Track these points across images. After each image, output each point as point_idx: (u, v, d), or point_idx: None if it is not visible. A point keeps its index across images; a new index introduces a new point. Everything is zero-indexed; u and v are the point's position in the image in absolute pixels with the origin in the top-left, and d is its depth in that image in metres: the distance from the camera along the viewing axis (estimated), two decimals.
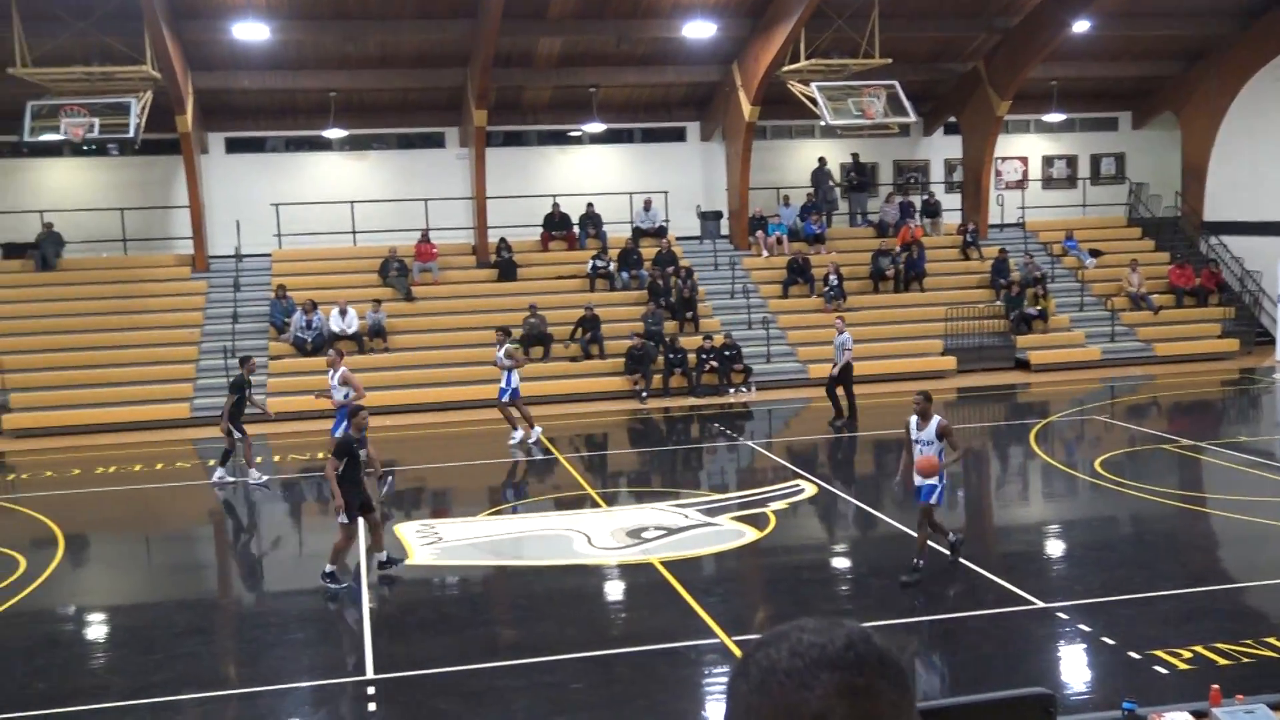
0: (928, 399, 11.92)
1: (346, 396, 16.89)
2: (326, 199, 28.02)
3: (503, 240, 27.78)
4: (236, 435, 17.61)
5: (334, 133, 28.02)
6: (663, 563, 12.87)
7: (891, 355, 26.09)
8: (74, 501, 17.13)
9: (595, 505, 15.97)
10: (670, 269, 27.36)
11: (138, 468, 19.18)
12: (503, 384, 20.01)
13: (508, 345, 20.46)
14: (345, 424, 15.56)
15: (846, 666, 1.38)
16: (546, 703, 9.40)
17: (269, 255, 27.57)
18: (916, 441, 11.79)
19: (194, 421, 22.65)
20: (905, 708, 1.41)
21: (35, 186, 27.53)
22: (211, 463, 18.34)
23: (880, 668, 1.40)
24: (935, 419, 11.72)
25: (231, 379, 18.51)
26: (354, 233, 28.11)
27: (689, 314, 26.46)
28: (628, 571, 12.94)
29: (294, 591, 12.80)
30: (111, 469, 18.93)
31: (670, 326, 26.04)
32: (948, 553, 12.13)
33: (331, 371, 17.51)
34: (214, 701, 9.78)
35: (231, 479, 17.82)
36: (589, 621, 11.49)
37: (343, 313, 24.96)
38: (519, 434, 20.10)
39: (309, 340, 24.56)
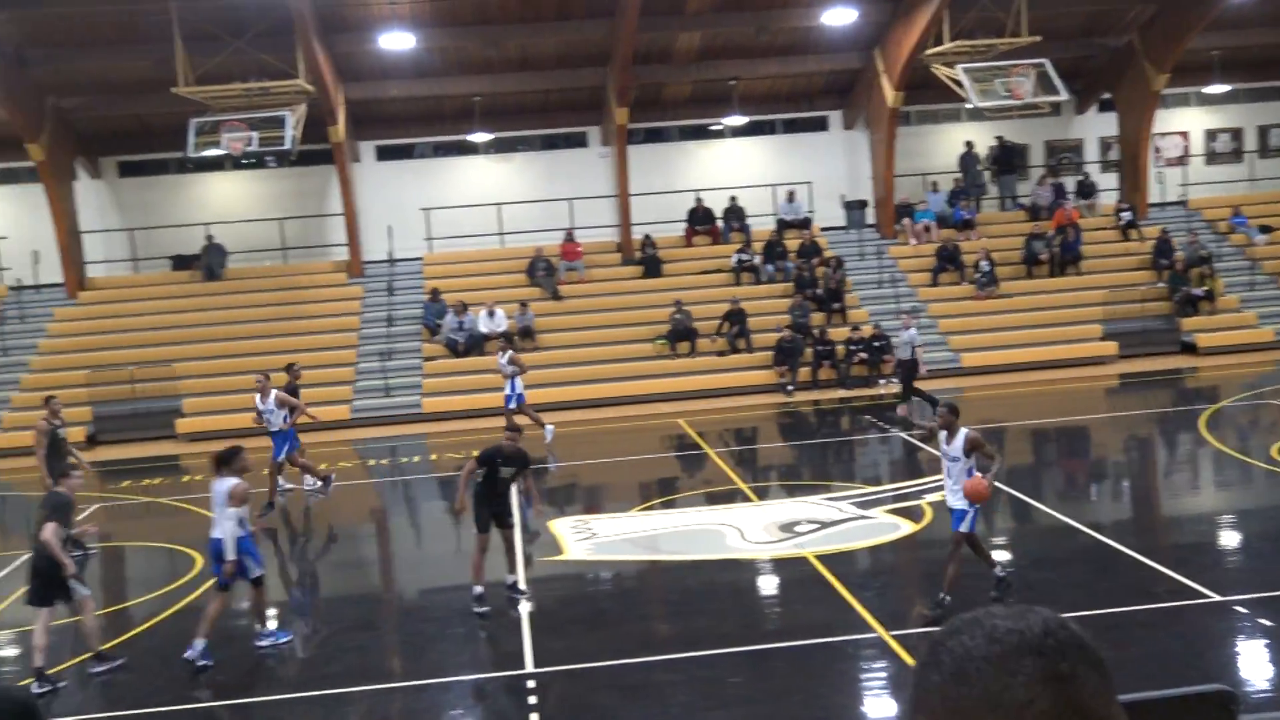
0: (952, 411, 10.74)
1: (286, 419, 16.40)
2: (474, 202, 28.54)
3: (647, 237, 27.90)
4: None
5: (479, 136, 28.52)
6: (817, 556, 12.74)
7: (1048, 342, 25.33)
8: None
9: (746, 500, 15.90)
10: (816, 260, 27.09)
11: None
12: (507, 391, 20.27)
13: (510, 353, 20.73)
14: (288, 447, 15.91)
15: (1048, 652, 1.33)
16: (703, 697, 9.39)
17: (420, 259, 28.23)
18: (945, 456, 10.72)
19: (353, 423, 23.32)
20: (1108, 695, 1.36)
21: (200, 200, 28.72)
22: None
23: (1081, 653, 1.35)
24: (962, 432, 10.56)
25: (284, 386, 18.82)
26: (501, 234, 28.57)
27: (836, 305, 26.15)
28: (781, 566, 12.84)
29: (454, 587, 13.05)
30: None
31: (818, 318, 25.78)
32: (993, 588, 10.73)
33: (260, 396, 16.53)
34: (381, 694, 10.04)
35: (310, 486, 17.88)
36: (744, 615, 11.45)
37: (491, 313, 25.39)
38: (550, 430, 20.34)
39: (460, 341, 25.06)
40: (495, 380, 24.33)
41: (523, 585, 11.93)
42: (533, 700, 9.53)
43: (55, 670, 10.55)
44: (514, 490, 12.21)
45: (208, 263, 27.42)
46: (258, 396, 16.56)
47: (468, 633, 11.35)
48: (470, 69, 27.19)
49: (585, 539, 14.35)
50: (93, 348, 25.25)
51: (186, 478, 20.21)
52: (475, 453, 11.93)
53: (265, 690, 10.56)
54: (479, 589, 11.37)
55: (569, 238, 27.88)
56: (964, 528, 10.51)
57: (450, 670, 10.45)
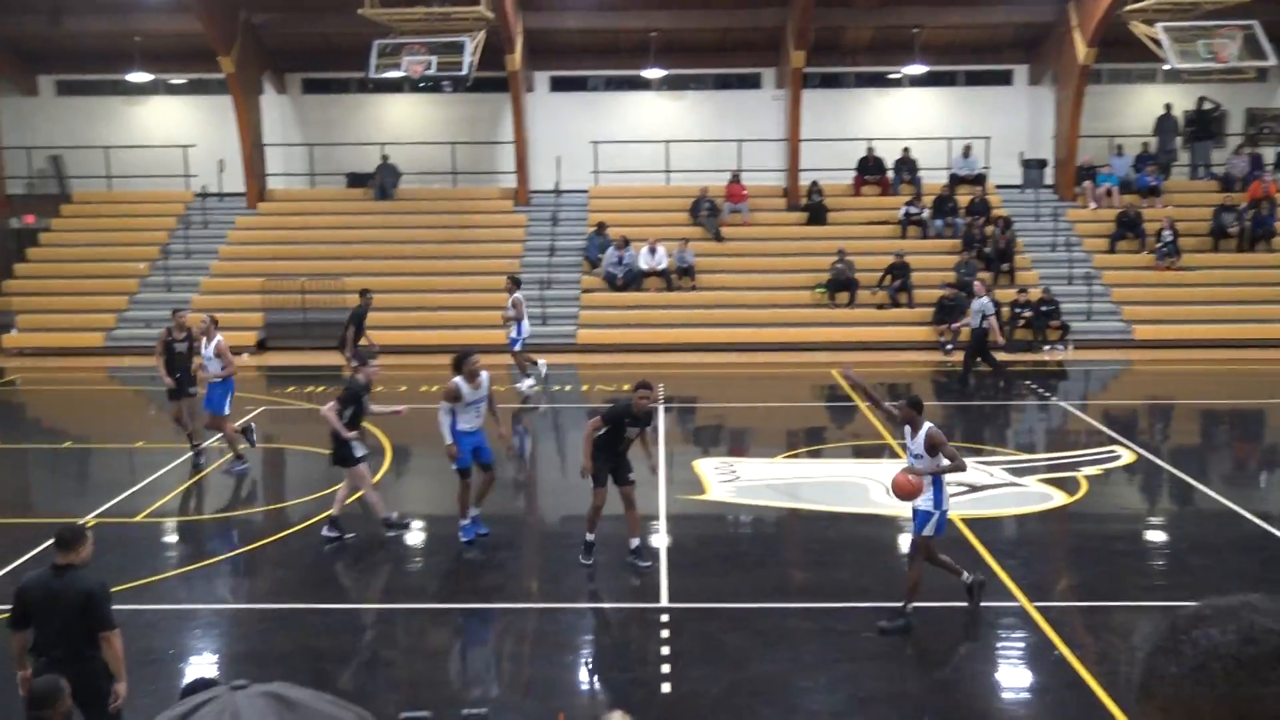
0: (912, 405, 9.71)
1: (221, 369, 14.88)
2: (643, 138, 28.49)
3: (814, 183, 27.46)
4: (354, 363, 18.28)
5: (653, 72, 28.40)
6: (963, 519, 12.46)
7: (1229, 320, 24.10)
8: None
9: (894, 456, 15.63)
10: (982, 219, 26.28)
11: (562, 387, 20.20)
12: (512, 334, 19.78)
13: (516, 295, 19.98)
14: (228, 399, 14.82)
15: None
16: (836, 649, 9.31)
17: (585, 191, 28.38)
18: (909, 453, 9.79)
19: (510, 349, 23.67)
20: None
21: (376, 120, 29.39)
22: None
23: None
24: (925, 428, 9.58)
25: (353, 310, 19.15)
26: (667, 172, 28.48)
27: (1005, 266, 25.36)
28: None
29: (601, 517, 13.18)
30: (434, 388, 20.07)
31: (984, 278, 25.04)
32: (966, 597, 9.83)
33: (205, 340, 15.01)
34: (516, 613, 10.26)
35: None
36: (883, 571, 11.28)
37: (652, 250, 25.41)
38: (533, 377, 19.95)
39: (619, 276, 25.17)
40: (650, 316, 24.46)
41: (644, 556, 11.16)
42: (665, 634, 9.59)
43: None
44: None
45: (380, 182, 28.08)
46: (203, 340, 14.97)
47: (606, 561, 11.47)
48: (650, 3, 27.02)
49: (728, 480, 14.34)
50: (268, 256, 26.19)
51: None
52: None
53: (407, 599, 10.89)
54: (590, 537, 11.04)
55: (735, 179, 27.62)
56: (928, 530, 9.51)
57: (586, 597, 10.61)
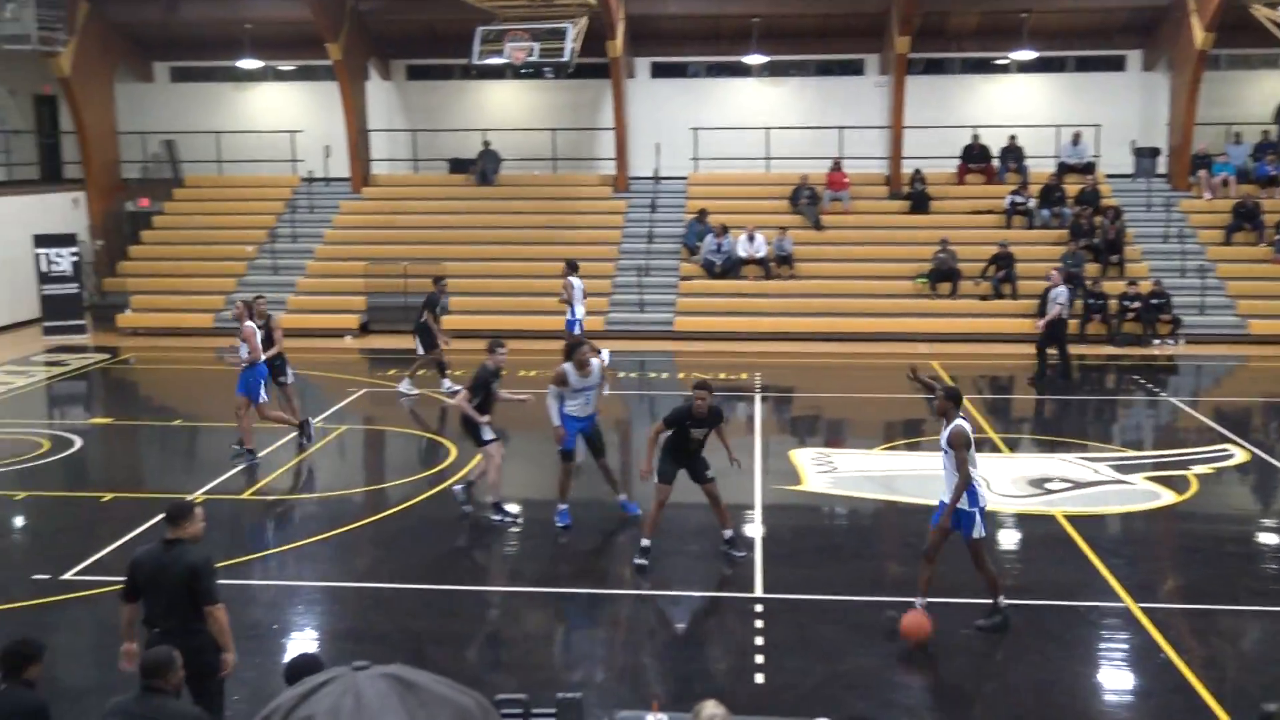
0: (949, 396, 9.38)
1: (243, 355, 14.62)
2: (743, 124, 28.32)
3: (917, 171, 27.05)
4: (433, 346, 18.43)
5: (754, 59, 28.20)
6: (1066, 516, 12.21)
7: None
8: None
9: (996, 450, 15.36)
10: (1091, 208, 25.63)
11: (622, 374, 20.29)
12: (569, 316, 19.93)
13: (572, 278, 20.04)
14: (261, 385, 14.55)
15: None
16: (932, 644, 9.18)
17: (685, 178, 28.31)
18: (941, 446, 9.43)
19: (608, 334, 23.77)
20: None
21: (478, 106, 29.66)
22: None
23: None
24: (954, 423, 9.15)
25: (427, 296, 19.09)
26: (767, 159, 28.28)
27: (1114, 257, 24.72)
28: (1027, 521, 12.38)
29: (691, 505, 13.18)
30: (533, 373, 20.24)
31: (1092, 269, 24.45)
32: (985, 619, 9.36)
33: (239, 326, 14.93)
34: (608, 599, 10.30)
35: (455, 388, 18.06)
36: None
37: (751, 238, 25.27)
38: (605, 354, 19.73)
39: (718, 263, 25.09)
40: (748, 304, 24.35)
41: (738, 546, 11.07)
42: (759, 624, 9.55)
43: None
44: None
45: (482, 168, 28.34)
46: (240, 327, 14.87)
47: (701, 550, 11.47)
48: None
49: (825, 471, 14.22)
50: (371, 240, 26.61)
51: (448, 372, 21.08)
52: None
53: (502, 581, 11.00)
54: (646, 542, 10.75)
55: (836, 167, 27.32)
56: (977, 533, 9.20)
57: (680, 585, 10.60)
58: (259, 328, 14.85)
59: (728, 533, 11.03)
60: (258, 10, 27.59)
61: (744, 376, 20.11)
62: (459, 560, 11.46)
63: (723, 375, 20.35)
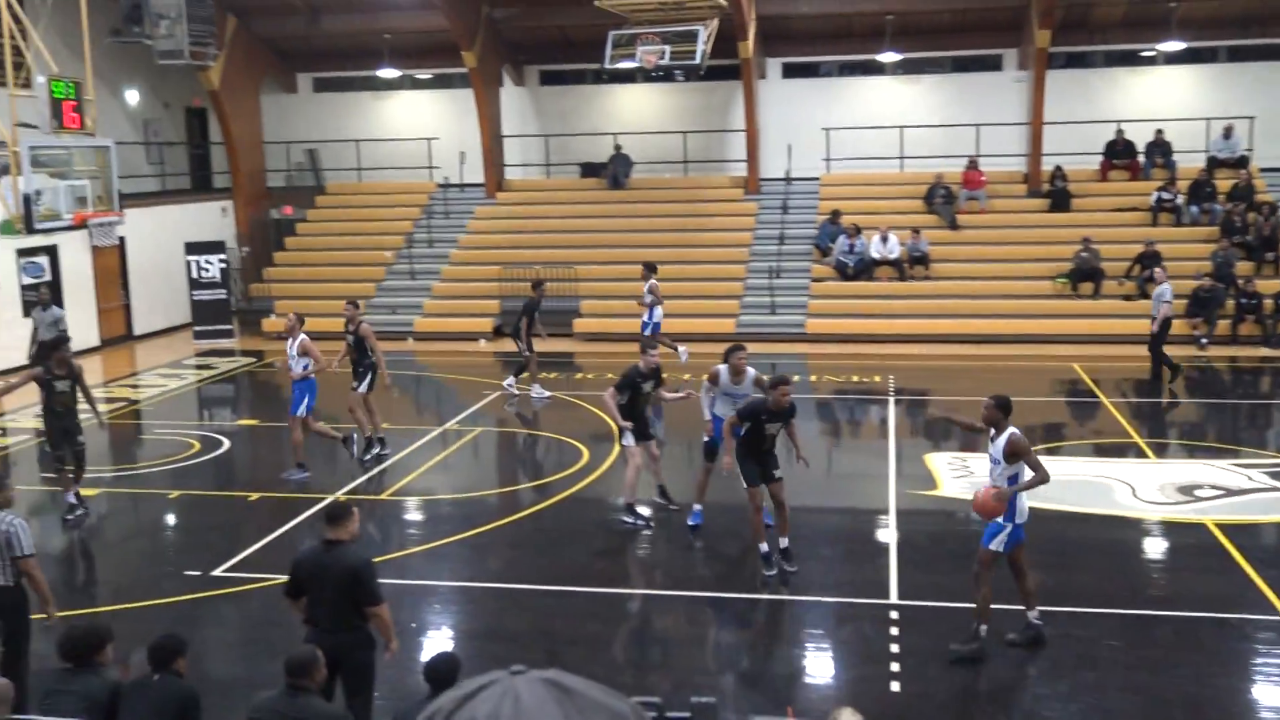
0: (999, 405, 8.84)
1: (306, 368, 14.49)
2: (876, 124, 27.93)
3: (1058, 168, 26.30)
4: (525, 352, 18.56)
5: (888, 56, 27.80)
6: (1218, 525, 11.72)
7: None
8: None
9: (1142, 455, 14.84)
10: (1244, 204, 24.57)
11: (686, 376, 20.37)
12: (645, 318, 19.95)
13: (652, 280, 20.05)
14: (309, 401, 14.38)
15: None
16: (1076, 656, 8.91)
17: (817, 179, 28.04)
18: (990, 458, 8.99)
19: (738, 336, 23.64)
20: None
21: (609, 110, 29.84)
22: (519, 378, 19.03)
23: None
24: (1008, 433, 8.74)
25: (525, 301, 19.14)
26: (901, 158, 27.85)
27: (1270, 255, 23.66)
28: (1175, 530, 11.93)
29: (826, 509, 13.05)
30: (665, 375, 20.27)
31: (1245, 268, 23.45)
32: (964, 642, 8.90)
33: (290, 340, 14.69)
34: (743, 603, 10.23)
35: (515, 392, 18.72)
36: (1128, 577, 10.75)
37: (884, 239, 24.90)
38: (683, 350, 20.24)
39: (850, 264, 24.78)
40: (882, 306, 24.00)
41: (792, 560, 10.60)
42: (894, 631, 9.39)
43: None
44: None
45: (613, 171, 28.52)
46: (289, 340, 14.74)
47: (834, 555, 11.33)
48: None
49: (962, 476, 13.92)
50: (504, 245, 27.00)
51: (580, 375, 21.29)
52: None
53: (636, 584, 11.02)
54: (764, 547, 10.49)
55: (972, 165, 26.74)
56: (995, 545, 8.76)
57: (814, 590, 10.48)
58: (350, 332, 14.99)
59: (784, 541, 10.61)
60: (396, 21, 28.23)
61: (877, 379, 19.82)
62: (593, 562, 11.52)
63: (855, 378, 20.11)
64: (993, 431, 8.92)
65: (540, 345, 18.90)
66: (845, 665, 9.17)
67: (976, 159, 26.81)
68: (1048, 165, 26.54)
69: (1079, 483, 13.73)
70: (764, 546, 10.51)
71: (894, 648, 9.11)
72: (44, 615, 7.94)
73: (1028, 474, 8.74)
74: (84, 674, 6.15)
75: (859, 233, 24.99)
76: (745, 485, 10.53)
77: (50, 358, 13.29)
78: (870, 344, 22.64)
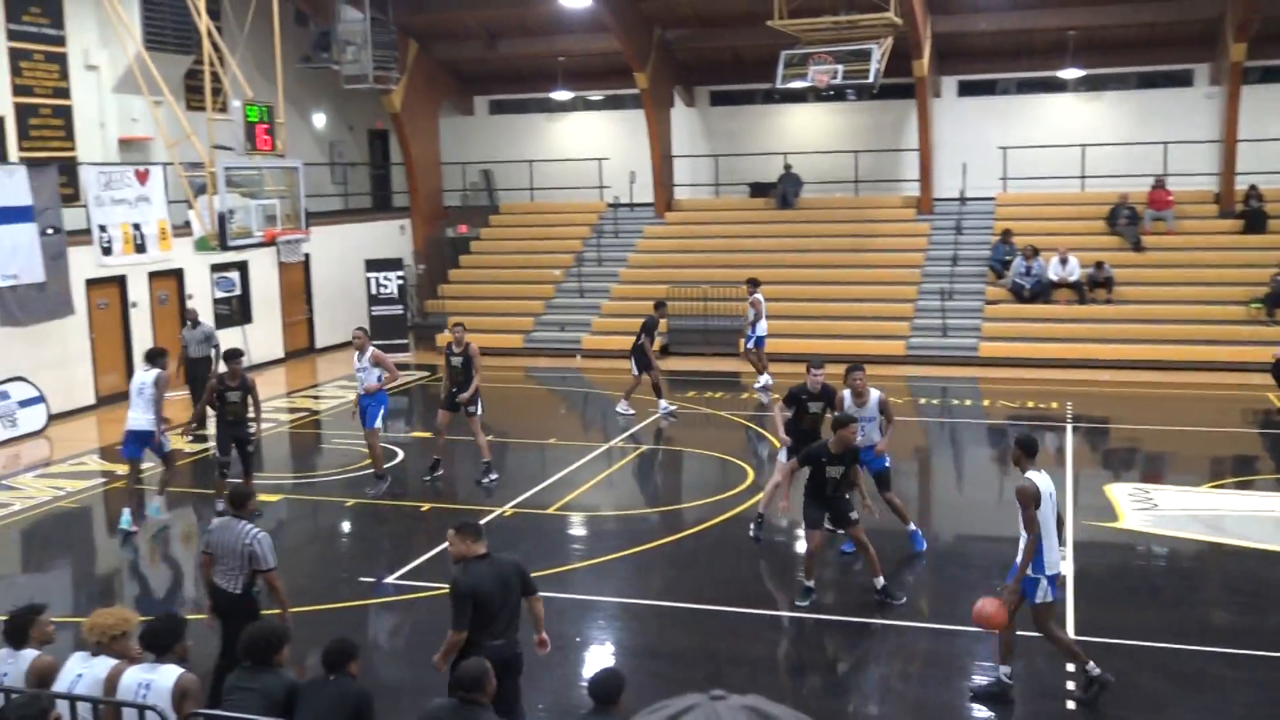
0: (1021, 445, 8.41)
1: (380, 379, 14.37)
2: (1055, 142, 27.09)
3: (1252, 188, 25.02)
4: (637, 371, 18.54)
5: (1069, 73, 26.95)
6: None
7: None
8: None
9: None
10: None
11: (775, 397, 20.03)
12: (750, 333, 20.63)
13: (755, 295, 20.59)
14: (383, 412, 14.34)
15: None
16: (1272, 703, 8.38)
17: (992, 199, 27.35)
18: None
19: (908, 359, 23.26)
20: None
21: (780, 130, 29.71)
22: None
23: None
24: (1023, 478, 8.32)
25: (645, 319, 18.99)
26: (1082, 177, 26.93)
27: None
28: None
29: (996, 538, 12.65)
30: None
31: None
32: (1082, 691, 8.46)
33: (358, 354, 14.48)
34: (909, 632, 9.97)
35: (670, 408, 18.77)
36: None
37: (1063, 261, 24.09)
38: (764, 378, 20.56)
39: (1027, 287, 24.06)
40: (1060, 330, 23.20)
41: (894, 594, 10.48)
42: (1070, 668, 9.00)
43: None
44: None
45: (783, 191, 28.37)
46: (355, 354, 14.59)
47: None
48: (1068, 0, 25.64)
49: (1144, 509, 13.31)
50: (672, 265, 27.10)
51: (746, 394, 21.18)
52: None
53: (790, 607, 10.86)
54: (809, 582, 10.41)
55: (1159, 184, 25.66)
56: (1040, 597, 8.33)
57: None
58: (457, 354, 14.77)
59: (880, 582, 10.42)
60: (570, 44, 28.74)
61: (1054, 406, 19.16)
62: (755, 583, 11.41)
63: (1030, 404, 19.49)
64: (1016, 471, 8.52)
65: (721, 364, 19.11)
66: (1020, 700, 8.82)
67: (1163, 178, 25.74)
68: (1241, 184, 25.29)
69: (1272, 519, 12.98)
70: (809, 581, 10.43)
71: (1069, 684, 8.74)
72: (278, 613, 8.23)
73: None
74: (263, 673, 6.37)
75: (1036, 254, 24.24)
76: (806, 529, 10.32)
77: (226, 369, 13.88)
78: (1047, 369, 21.93)
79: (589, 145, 30.45)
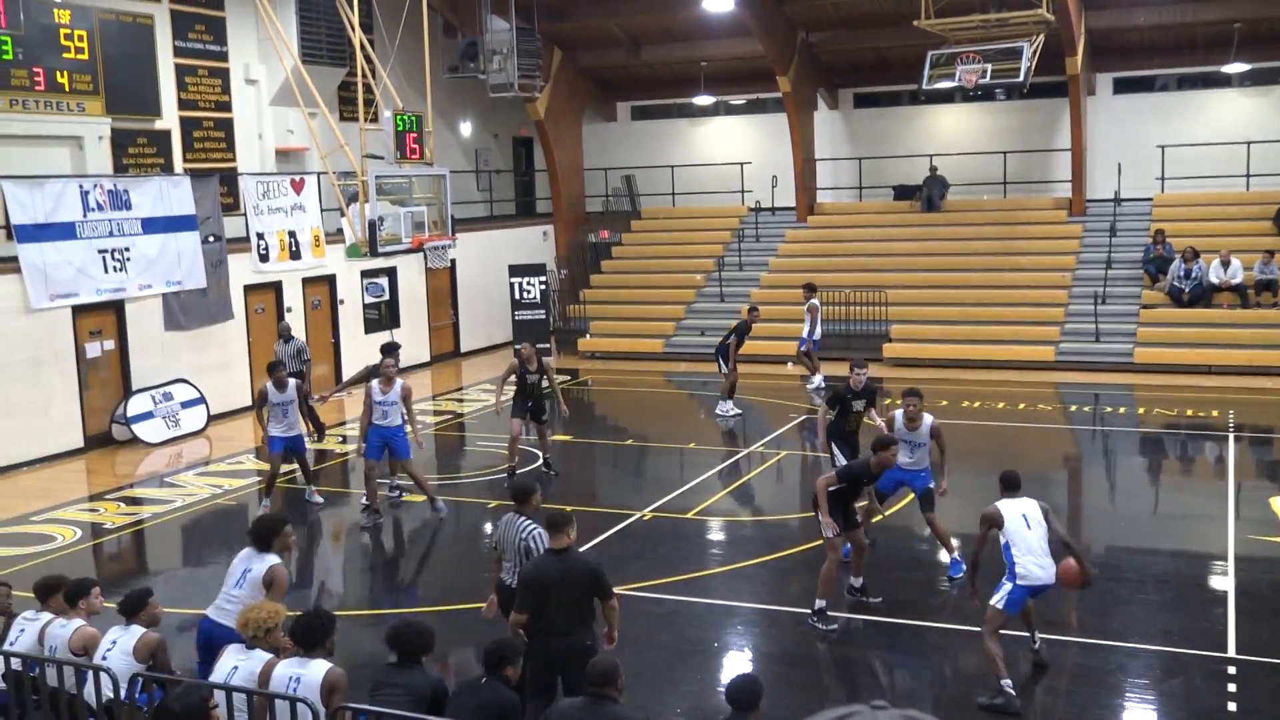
0: (1003, 481, 9.03)
1: (403, 418, 13.88)
2: (1217, 140, 26.01)
3: None
4: (725, 369, 18.88)
5: (1234, 67, 25.83)
6: None
7: None
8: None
9: None
10: None
11: (1001, 405, 19.61)
12: (803, 334, 21.22)
13: (812, 300, 21.21)
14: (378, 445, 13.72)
15: None
16: None
17: (1149, 200, 26.37)
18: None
19: (1058, 365, 22.59)
20: None
21: (925, 132, 29.19)
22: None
23: None
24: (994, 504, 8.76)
25: (737, 322, 19.52)
26: (1247, 176, 25.78)
27: None
28: None
29: (1152, 551, 12.20)
30: (976, 404, 19.60)
31: None
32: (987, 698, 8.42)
33: (380, 385, 13.82)
34: (1057, 645, 9.65)
35: (735, 411, 18.95)
36: None
37: (1225, 263, 23.09)
38: (817, 379, 20.94)
39: (1186, 290, 23.12)
40: (1221, 335, 22.25)
41: (871, 593, 10.55)
42: (1231, 688, 8.61)
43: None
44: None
45: (927, 194, 27.85)
46: (374, 384, 13.87)
47: (1162, 601, 10.54)
48: None
49: None
50: (814, 269, 26.77)
51: (889, 400, 20.84)
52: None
53: (929, 616, 10.62)
54: (821, 603, 9.99)
55: None
56: (995, 601, 8.63)
57: (1137, 637, 9.77)
58: (533, 371, 14.97)
59: (859, 581, 10.61)
60: (712, 49, 28.73)
61: (1215, 414, 18.39)
62: (895, 591, 11.19)
63: (1190, 412, 18.74)
64: None
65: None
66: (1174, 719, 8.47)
67: None
68: None
69: None
70: (820, 602, 10.02)
71: (1230, 705, 8.35)
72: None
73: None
74: (409, 669, 6.49)
75: (1197, 256, 23.29)
76: (830, 540, 9.99)
77: (378, 367, 14.33)
78: (1207, 375, 21.07)
79: (731, 150, 30.40)
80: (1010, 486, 8.98)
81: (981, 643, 8.58)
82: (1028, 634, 9.11)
